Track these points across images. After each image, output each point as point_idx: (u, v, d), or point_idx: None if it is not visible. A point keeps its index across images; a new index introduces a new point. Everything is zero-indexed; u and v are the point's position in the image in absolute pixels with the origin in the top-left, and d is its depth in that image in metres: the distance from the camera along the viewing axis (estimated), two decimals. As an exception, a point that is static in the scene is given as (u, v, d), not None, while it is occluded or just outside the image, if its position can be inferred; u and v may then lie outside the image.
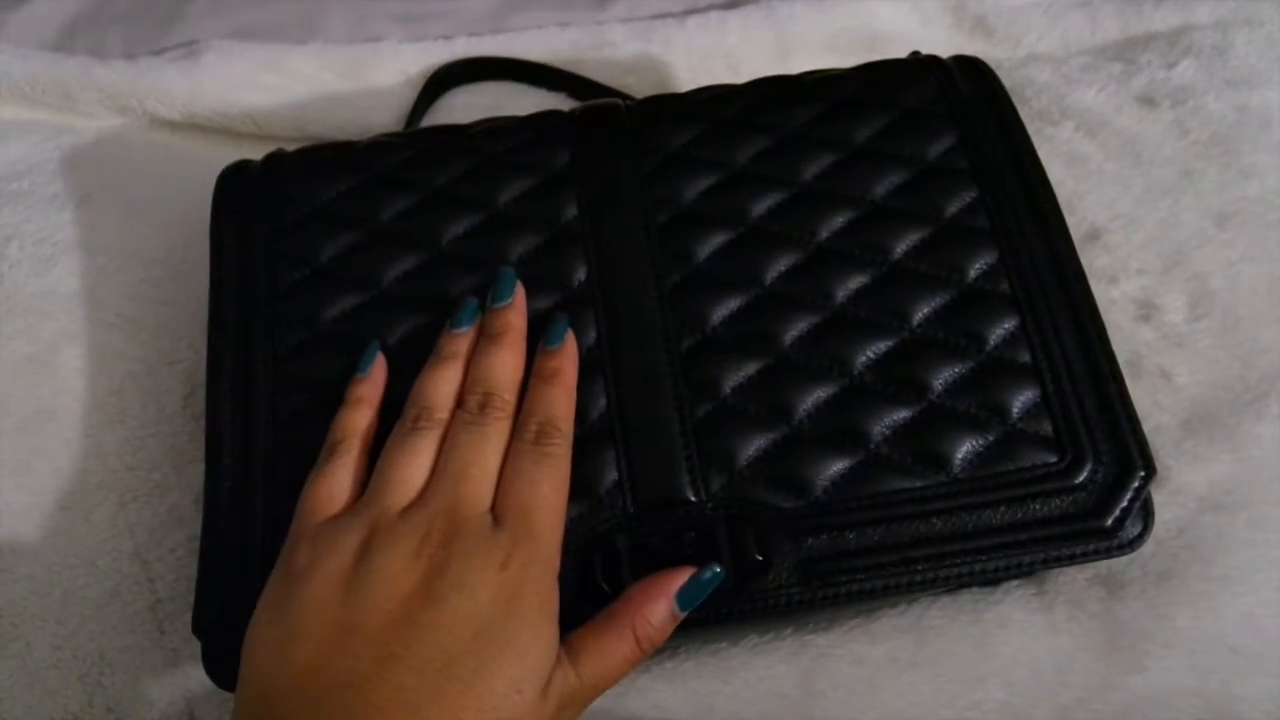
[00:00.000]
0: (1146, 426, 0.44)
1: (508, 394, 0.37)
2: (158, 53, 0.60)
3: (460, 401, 0.37)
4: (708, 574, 0.35)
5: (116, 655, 0.41)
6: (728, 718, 0.40)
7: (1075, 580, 0.42)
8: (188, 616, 0.38)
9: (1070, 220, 0.43)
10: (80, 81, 0.57)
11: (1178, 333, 0.47)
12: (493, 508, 0.34)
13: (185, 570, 0.43)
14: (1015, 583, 0.42)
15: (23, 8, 0.62)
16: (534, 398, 0.37)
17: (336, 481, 0.35)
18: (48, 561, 0.43)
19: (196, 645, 0.37)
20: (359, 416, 0.37)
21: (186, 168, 0.55)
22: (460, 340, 0.38)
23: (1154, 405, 0.45)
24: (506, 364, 0.37)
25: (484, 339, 0.38)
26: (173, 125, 0.58)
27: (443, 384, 0.37)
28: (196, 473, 0.41)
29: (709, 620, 0.36)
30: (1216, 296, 0.47)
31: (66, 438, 0.46)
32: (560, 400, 0.37)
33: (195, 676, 0.41)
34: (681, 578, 0.34)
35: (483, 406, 0.36)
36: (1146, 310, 0.48)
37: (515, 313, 0.39)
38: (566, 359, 0.38)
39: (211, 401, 0.40)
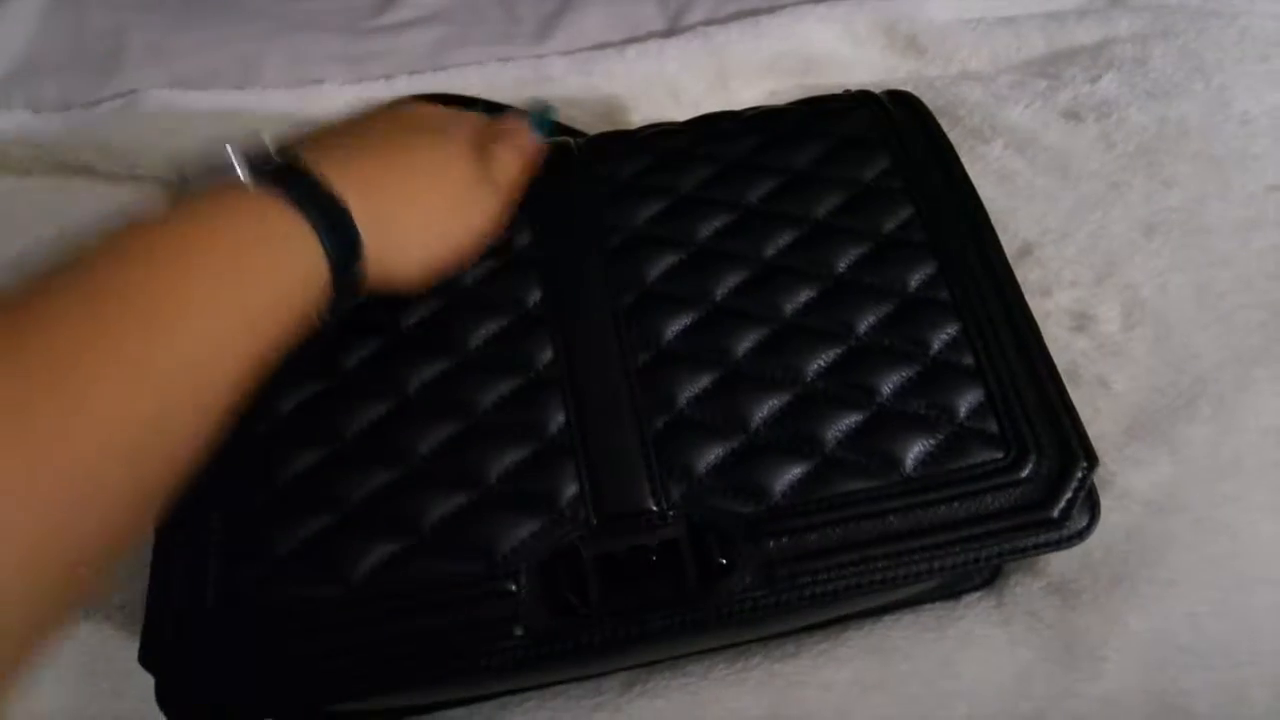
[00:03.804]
0: (1090, 433, 0.45)
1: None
2: (95, 103, 0.60)
3: None
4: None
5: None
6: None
7: (1031, 590, 0.43)
8: (137, 675, 0.36)
9: (1003, 237, 0.44)
10: (16, 136, 0.57)
11: (1113, 342, 0.49)
12: None
13: (132, 628, 0.41)
14: (975, 595, 0.44)
15: (-47, 63, 0.61)
16: None
17: None
18: None
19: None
20: None
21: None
22: None
23: (1095, 413, 0.47)
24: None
25: None
26: (112, 177, 0.58)
27: None
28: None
29: (676, 629, 0.36)
30: (1148, 305, 0.49)
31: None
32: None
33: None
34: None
35: None
36: (1081, 321, 0.49)
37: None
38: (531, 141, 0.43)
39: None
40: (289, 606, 0.36)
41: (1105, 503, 0.43)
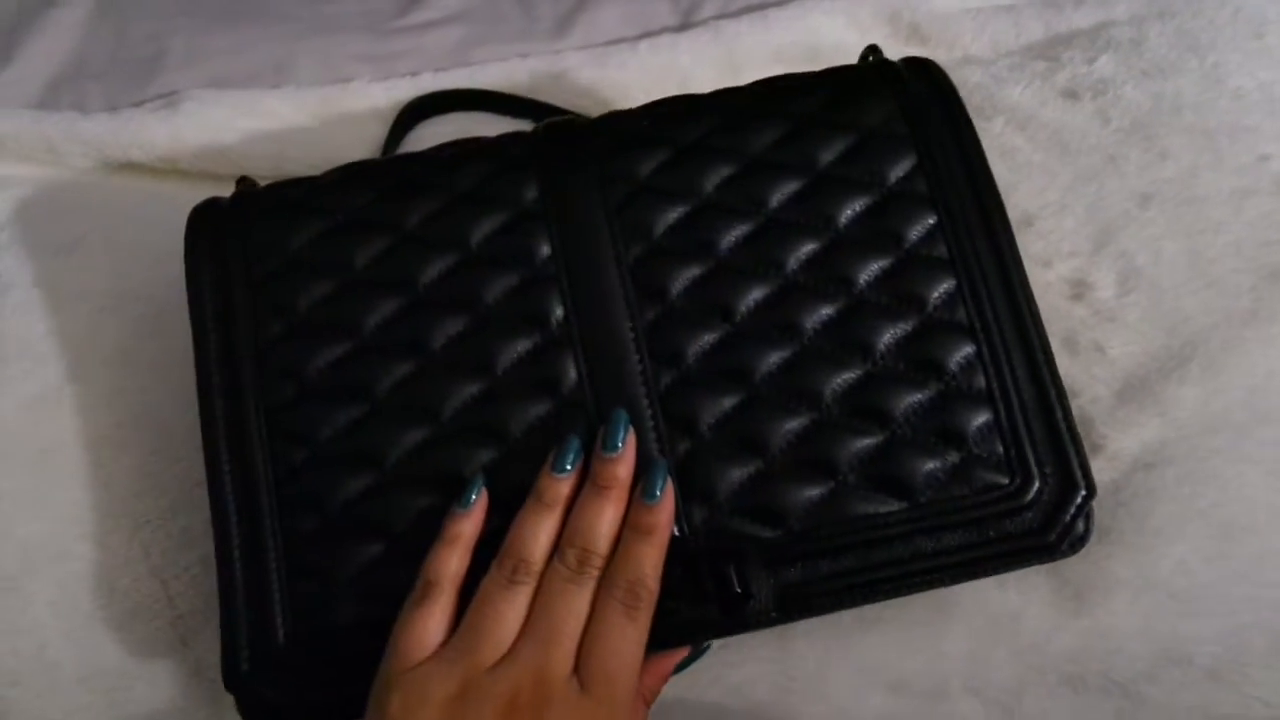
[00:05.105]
0: (1084, 398, 0.48)
1: (605, 550, 0.37)
2: (138, 104, 0.63)
3: (558, 551, 0.37)
4: (701, 651, 0.40)
5: (142, 670, 0.44)
6: (713, 678, 0.44)
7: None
8: (209, 630, 0.40)
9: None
10: (65, 135, 0.59)
11: (1109, 308, 0.51)
12: (577, 665, 0.35)
13: (202, 587, 0.45)
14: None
15: (6, 70, 0.64)
16: (628, 553, 0.37)
17: (429, 626, 0.36)
18: (69, 587, 0.46)
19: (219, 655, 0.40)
20: (454, 557, 0.37)
21: (170, 209, 0.56)
22: (563, 485, 0.38)
23: (1091, 379, 0.49)
24: (607, 520, 0.37)
25: (590, 489, 0.38)
26: (155, 171, 0.61)
27: (542, 534, 0.37)
28: (204, 495, 0.44)
29: (689, 639, 0.39)
30: (1142, 272, 0.51)
31: (77, 470, 0.48)
32: (652, 559, 0.37)
33: (220, 685, 0.44)
34: (680, 656, 0.40)
35: (580, 563, 0.36)
36: (1079, 289, 0.51)
37: (624, 465, 0.39)
38: (664, 515, 0.38)
39: (210, 462, 0.41)
40: (352, 629, 0.39)
41: (1096, 464, 0.46)
